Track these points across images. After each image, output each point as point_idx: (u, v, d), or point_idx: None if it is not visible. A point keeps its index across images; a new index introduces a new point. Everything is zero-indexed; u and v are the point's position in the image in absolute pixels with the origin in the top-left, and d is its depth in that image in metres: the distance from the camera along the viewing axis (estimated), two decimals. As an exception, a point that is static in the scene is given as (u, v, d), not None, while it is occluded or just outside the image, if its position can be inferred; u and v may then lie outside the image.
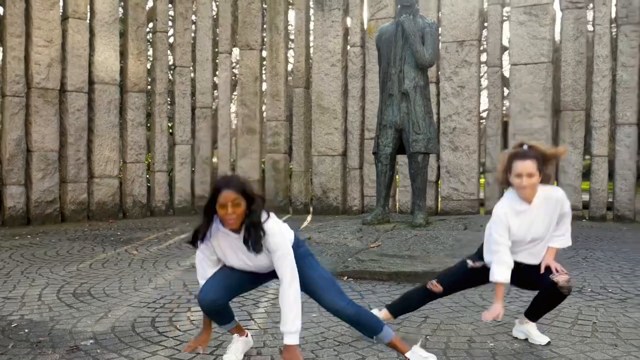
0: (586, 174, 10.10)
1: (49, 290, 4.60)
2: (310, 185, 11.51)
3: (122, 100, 10.76)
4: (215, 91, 12.00)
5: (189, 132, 11.30)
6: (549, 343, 3.26)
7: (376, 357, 3.08)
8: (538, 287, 3.25)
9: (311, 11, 11.48)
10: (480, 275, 3.30)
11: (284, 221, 3.00)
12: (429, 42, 6.74)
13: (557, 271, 3.15)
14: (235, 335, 3.09)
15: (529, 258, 3.23)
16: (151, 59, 11.37)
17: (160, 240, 7.46)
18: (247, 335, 3.15)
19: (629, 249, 6.60)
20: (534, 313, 3.35)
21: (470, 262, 3.36)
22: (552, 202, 3.18)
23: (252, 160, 11.41)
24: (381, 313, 3.51)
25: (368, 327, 2.95)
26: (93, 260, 5.91)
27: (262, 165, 11.60)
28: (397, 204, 10.65)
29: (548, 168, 3.17)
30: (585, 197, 9.94)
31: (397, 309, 3.56)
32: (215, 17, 11.76)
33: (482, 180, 10.74)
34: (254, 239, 2.75)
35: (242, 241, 2.79)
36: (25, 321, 3.75)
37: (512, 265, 3.14)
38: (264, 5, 11.72)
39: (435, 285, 3.40)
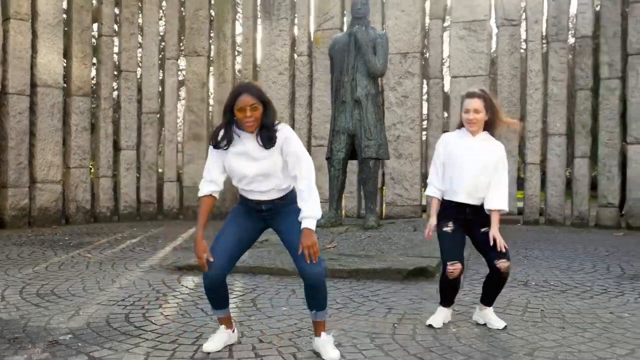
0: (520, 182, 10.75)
1: (11, 291, 4.55)
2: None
3: (65, 104, 10.54)
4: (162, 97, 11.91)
5: (135, 138, 11.19)
6: (505, 327, 3.56)
7: (351, 342, 3.28)
8: (485, 257, 3.58)
9: (259, 20, 11.65)
10: (461, 232, 3.60)
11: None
12: (380, 52, 7.06)
13: (500, 253, 3.47)
14: (222, 326, 3.21)
15: (469, 197, 3.52)
16: (96, 62, 11.20)
17: (112, 244, 7.40)
18: (233, 331, 3.26)
19: (563, 248, 7.12)
20: (487, 298, 3.68)
21: (445, 228, 3.60)
22: (494, 146, 3.55)
23: (199, 167, 11.39)
24: (443, 309, 3.71)
25: (321, 300, 3.10)
26: (48, 263, 5.84)
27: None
28: (344, 209, 10.93)
29: (497, 127, 3.59)
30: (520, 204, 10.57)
31: (447, 300, 3.73)
32: (162, 22, 11.70)
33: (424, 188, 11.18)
34: (266, 136, 2.94)
35: (256, 139, 2.96)
36: (-5, 320, 3.73)
37: (440, 186, 3.61)
38: (212, 13, 11.78)
39: (455, 269, 3.51)
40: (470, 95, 3.56)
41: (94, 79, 11.07)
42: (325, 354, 3.02)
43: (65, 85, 10.53)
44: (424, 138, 11.29)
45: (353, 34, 7.11)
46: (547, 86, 10.09)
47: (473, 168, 3.50)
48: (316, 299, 3.08)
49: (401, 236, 6.37)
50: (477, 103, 3.50)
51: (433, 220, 3.63)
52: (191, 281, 4.99)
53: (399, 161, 10.48)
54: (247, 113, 2.90)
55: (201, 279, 4.62)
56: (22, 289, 4.64)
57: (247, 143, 3.00)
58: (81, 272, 5.37)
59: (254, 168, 3.01)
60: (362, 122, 7.03)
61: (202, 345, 3.19)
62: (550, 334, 3.47)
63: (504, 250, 3.46)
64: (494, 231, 3.50)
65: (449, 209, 3.58)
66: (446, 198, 3.61)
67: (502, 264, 3.48)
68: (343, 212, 10.90)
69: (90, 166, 10.94)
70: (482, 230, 3.54)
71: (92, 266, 5.72)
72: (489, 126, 3.57)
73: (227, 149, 3.04)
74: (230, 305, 4.04)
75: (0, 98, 9.57)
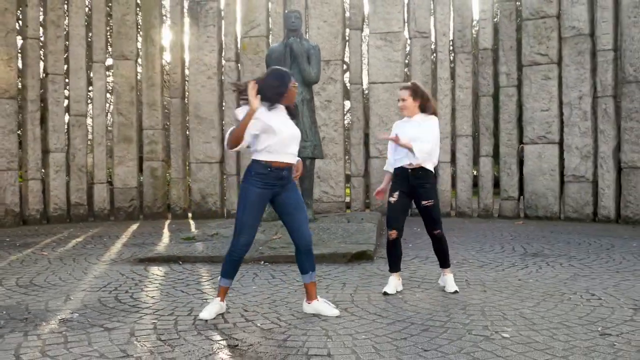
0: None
1: (-10, 284, 4.86)
2: (189, 192, 12.04)
3: (-9, 106, 10.46)
4: (90, 100, 12.00)
5: (64, 140, 11.26)
6: (456, 292, 4.41)
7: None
8: (425, 226, 4.57)
9: (186, 26, 12.04)
10: (404, 201, 4.44)
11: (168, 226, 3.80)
12: (314, 62, 7.81)
13: (434, 223, 4.50)
14: (218, 298, 3.81)
15: (405, 160, 4.39)
16: (22, 65, 11.14)
17: (58, 243, 7.64)
18: (224, 303, 3.87)
19: (474, 235, 8.19)
20: (441, 261, 4.63)
21: (390, 199, 4.46)
22: (426, 121, 4.44)
23: (130, 168, 11.67)
24: (393, 278, 4.48)
25: (311, 263, 3.88)
26: (7, 261, 6.08)
27: (140, 173, 11.88)
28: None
29: (429, 108, 4.48)
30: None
31: (395, 266, 4.52)
32: (88, 26, 11.82)
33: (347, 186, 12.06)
34: (293, 112, 3.87)
35: (286, 111, 3.83)
36: (-6, 306, 4.09)
37: (392, 160, 4.51)
38: (139, 18, 12.04)
39: (391, 233, 4.44)
40: (402, 87, 4.54)
41: (20, 82, 11.02)
42: (328, 312, 3.77)
43: (-9, 87, 10.44)
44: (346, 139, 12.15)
45: (289, 45, 7.80)
46: (455, 92, 11.27)
47: (407, 137, 4.34)
48: (310, 260, 3.86)
49: (338, 227, 7.14)
50: (403, 93, 4.46)
51: (382, 186, 4.60)
52: (158, 270, 5.48)
53: (325, 161, 11.25)
54: (297, 88, 3.84)
55: (167, 268, 5.23)
56: None
57: (282, 112, 3.80)
58: (48, 267, 5.70)
59: (293, 128, 3.80)
60: (298, 126, 7.67)
61: (198, 315, 3.76)
62: (475, 296, 4.34)
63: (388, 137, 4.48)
64: (403, 142, 4.37)
65: (396, 177, 4.48)
66: (393, 167, 4.51)
67: (436, 231, 4.52)
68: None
69: (19, 169, 10.89)
70: (424, 203, 4.43)
71: (53, 262, 6.04)
72: (425, 108, 4.47)
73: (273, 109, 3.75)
74: (206, 288, 4.64)
75: None
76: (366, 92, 12.56)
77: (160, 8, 12.11)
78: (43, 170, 11.18)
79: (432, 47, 11.69)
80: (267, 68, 8.20)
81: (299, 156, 7.80)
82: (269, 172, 3.72)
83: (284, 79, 3.77)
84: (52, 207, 11.08)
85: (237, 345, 3.17)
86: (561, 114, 10.50)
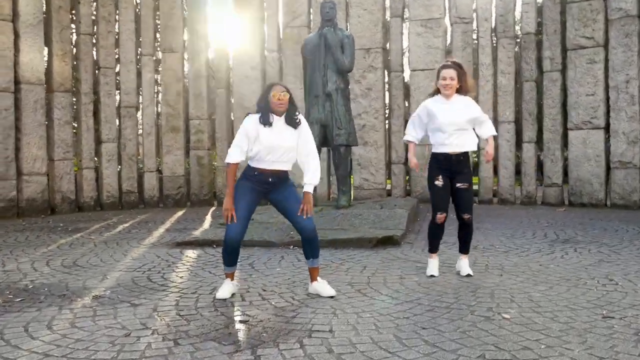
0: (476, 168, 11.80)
1: (38, 265, 5.27)
2: (233, 180, 12.38)
3: (48, 99, 11.08)
4: (140, 92, 12.51)
5: (115, 131, 11.81)
6: (468, 275, 4.52)
7: (336, 289, 4.15)
8: (455, 209, 4.59)
9: (230, 17, 12.34)
10: (447, 185, 4.53)
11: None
12: (347, 51, 7.94)
13: (466, 207, 4.54)
14: (228, 279, 4.07)
15: (455, 147, 4.46)
16: (76, 60, 11.72)
17: (106, 228, 8.10)
18: (236, 282, 4.14)
19: (510, 221, 8.16)
20: (462, 247, 4.70)
21: (436, 182, 4.55)
22: (466, 102, 4.52)
23: (177, 157, 12.12)
24: (434, 257, 4.64)
25: (315, 249, 4.05)
26: (57, 244, 6.54)
27: (187, 161, 12.33)
28: (316, 193, 11.81)
29: (466, 92, 4.53)
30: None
31: (436, 247, 4.67)
32: (137, 20, 12.29)
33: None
34: (290, 119, 3.95)
35: (284, 121, 3.94)
36: (39, 284, 4.47)
37: (415, 134, 4.69)
38: (185, 11, 12.43)
39: (441, 217, 4.53)
40: (446, 66, 4.53)
41: (74, 76, 11.60)
42: (324, 292, 3.95)
43: (47, 81, 11.05)
44: (387, 127, 12.21)
45: (323, 35, 7.96)
46: (497, 78, 11.14)
47: (452, 123, 4.44)
48: (312, 248, 4.00)
49: (370, 213, 7.28)
50: (451, 72, 4.46)
51: (413, 159, 4.69)
52: (192, 253, 5.79)
53: (365, 148, 11.38)
54: (282, 97, 3.87)
55: (200, 252, 5.51)
56: (47, 262, 5.37)
57: (278, 123, 3.94)
58: (92, 249, 6.11)
59: (286, 141, 3.92)
60: (333, 114, 7.90)
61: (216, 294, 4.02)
62: (490, 279, 4.42)
63: (489, 157, 4.60)
64: (489, 149, 4.58)
65: (438, 162, 4.56)
66: (434, 151, 4.60)
67: (466, 216, 4.57)
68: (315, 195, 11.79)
69: (74, 158, 11.51)
70: (458, 185, 4.52)
71: (99, 245, 6.45)
72: (462, 90, 4.55)
73: (269, 126, 3.92)
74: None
75: (-13, 95, 10.07)
76: (407, 79, 12.57)
77: (204, 0, 12.44)
78: (96, 160, 11.77)
79: (474, 33, 11.57)
80: (304, 59, 8.43)
81: (334, 143, 8.03)
82: (255, 175, 3.98)
83: (264, 93, 3.97)
84: (105, 195, 11.66)
85: (247, 321, 3.39)
86: (607, 98, 10.23)
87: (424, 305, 3.65)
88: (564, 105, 10.73)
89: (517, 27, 12.83)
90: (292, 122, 3.95)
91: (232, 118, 12.33)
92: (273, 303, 3.80)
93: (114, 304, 3.81)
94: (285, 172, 4.04)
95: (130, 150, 11.95)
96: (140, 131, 12.58)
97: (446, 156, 4.50)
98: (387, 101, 12.21)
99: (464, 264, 4.67)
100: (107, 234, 7.40)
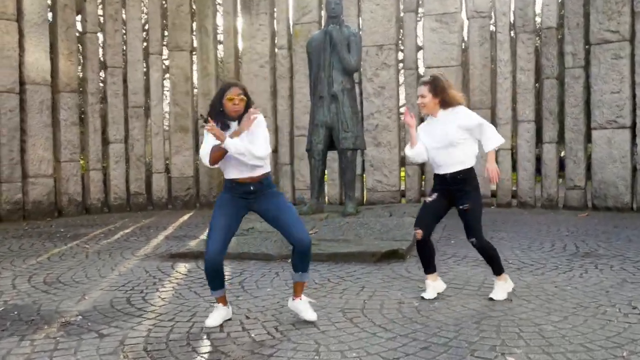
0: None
1: (20, 280, 5.00)
2: (243, 181, 12.06)
3: (54, 100, 10.88)
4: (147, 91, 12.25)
5: (123, 131, 11.57)
6: (491, 299, 4.10)
7: (326, 316, 3.79)
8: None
9: (239, 14, 12.02)
10: (439, 204, 4.14)
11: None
12: (354, 50, 7.53)
13: (472, 231, 4.07)
14: (220, 304, 3.70)
15: (446, 166, 4.06)
16: (82, 59, 11.50)
17: (106, 235, 7.84)
18: (228, 307, 3.76)
19: (528, 229, 7.69)
20: (491, 267, 4.24)
21: (427, 199, 4.21)
22: (454, 113, 4.06)
23: (186, 157, 11.85)
24: (429, 281, 4.22)
25: (306, 263, 3.67)
26: (49, 254, 6.28)
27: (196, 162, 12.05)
28: (327, 196, 11.43)
29: (452, 103, 4.04)
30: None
31: (428, 267, 4.26)
32: (145, 19, 12.02)
33: (402, 173, 11.72)
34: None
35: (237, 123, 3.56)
36: (11, 306, 4.18)
37: (421, 146, 4.14)
38: (193, 8, 12.13)
39: (417, 233, 4.15)
40: (421, 82, 4.12)
41: (81, 75, 11.39)
42: (305, 315, 3.61)
43: (52, 82, 10.84)
44: (400, 126, 11.76)
45: (328, 33, 7.56)
46: (516, 75, 10.61)
47: (435, 142, 4.06)
48: (303, 262, 3.64)
49: (377, 221, 6.89)
50: (422, 89, 4.07)
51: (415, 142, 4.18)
52: (183, 267, 5.47)
53: (378, 149, 10.97)
54: (236, 101, 3.51)
55: (192, 265, 5.16)
56: (29, 277, 5.10)
57: (234, 126, 3.57)
58: (82, 262, 5.83)
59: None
60: (339, 116, 7.51)
61: (198, 323, 3.68)
62: (498, 305, 4.00)
63: (495, 181, 4.12)
64: (490, 165, 4.09)
65: (435, 181, 4.21)
66: (434, 173, 4.22)
67: (470, 239, 4.14)
68: (326, 198, 11.43)
69: (81, 159, 11.31)
70: (461, 207, 4.10)
71: (91, 256, 6.17)
72: (446, 104, 4.08)
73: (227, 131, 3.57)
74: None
75: (-9, 96, 9.89)
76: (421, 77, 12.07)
77: (214, -3, 12.13)
78: (103, 161, 11.55)
79: (491, 27, 11.05)
80: (309, 57, 8.04)
81: (340, 147, 7.62)
82: (234, 186, 3.65)
83: (218, 94, 3.61)
84: (112, 197, 11.44)
85: (219, 360, 3.04)
86: (634, 95, 9.64)
87: (419, 342, 3.26)
88: (587, 103, 10.17)
89: (537, 21, 12.26)
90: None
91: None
92: (253, 335, 3.44)
93: (81, 334, 3.49)
94: (264, 177, 3.65)
95: (138, 150, 11.71)
96: (147, 132, 12.33)
97: (441, 177, 4.14)
98: (401, 100, 11.74)
99: (495, 285, 4.23)
100: (104, 242, 7.13)
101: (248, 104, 3.60)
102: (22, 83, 10.28)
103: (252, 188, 3.64)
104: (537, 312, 3.83)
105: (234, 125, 3.59)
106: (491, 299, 4.13)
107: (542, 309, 3.88)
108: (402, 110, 13.59)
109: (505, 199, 10.69)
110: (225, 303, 3.74)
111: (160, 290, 4.60)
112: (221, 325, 3.63)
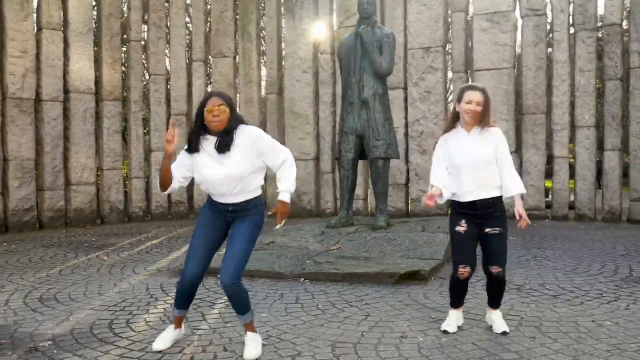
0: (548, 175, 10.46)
1: (17, 295, 4.83)
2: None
3: (97, 108, 10.95)
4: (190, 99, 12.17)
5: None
6: (504, 333, 3.59)
7: (311, 352, 3.34)
8: (483, 258, 3.66)
9: (282, 19, 11.75)
10: (472, 232, 3.61)
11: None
12: (386, 52, 7.03)
13: (496, 258, 3.58)
14: (172, 326, 3.47)
15: (479, 191, 3.55)
16: (126, 67, 11.55)
17: (132, 245, 7.68)
18: (182, 329, 3.53)
19: (579, 246, 6.93)
20: (490, 300, 3.76)
21: (458, 228, 3.63)
22: (489, 134, 3.57)
23: (227, 166, 11.64)
24: (454, 312, 3.76)
25: (238, 306, 3.28)
26: (63, 267, 6.14)
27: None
28: (369, 206, 10.95)
29: (485, 125, 3.57)
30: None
31: (458, 303, 3.77)
32: (188, 26, 11.96)
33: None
34: (223, 141, 3.14)
35: (214, 144, 3.16)
36: (-10, 326, 3.98)
37: (444, 177, 3.62)
38: (237, 14, 11.96)
39: (464, 272, 3.60)
40: (474, 87, 3.60)
41: (124, 84, 11.42)
42: (246, 353, 3.25)
43: (96, 90, 10.91)
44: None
45: (359, 35, 7.10)
46: (575, 77, 9.77)
47: (474, 167, 3.54)
48: (234, 305, 3.28)
49: (406, 237, 6.35)
50: (478, 96, 3.54)
51: (433, 190, 3.62)
52: (188, 285, 5.14)
53: (423, 157, 10.39)
54: (215, 113, 3.13)
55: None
56: (28, 293, 4.92)
57: (210, 146, 3.19)
58: (89, 276, 5.63)
59: (233, 169, 3.16)
60: (369, 122, 7.03)
61: (167, 353, 3.33)
62: (516, 344, 3.42)
63: (525, 225, 3.52)
64: (519, 209, 3.56)
65: (461, 206, 3.64)
66: (457, 200, 3.64)
67: (494, 269, 3.60)
68: (368, 208, 10.93)
69: (123, 168, 11.32)
70: (487, 230, 3.58)
71: (102, 269, 5.98)
72: (486, 122, 3.59)
73: (197, 152, 3.23)
74: (213, 311, 4.20)
75: (35, 105, 10.03)
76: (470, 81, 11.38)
77: (256, 2, 11.90)
78: (146, 169, 11.53)
79: (547, 26, 10.25)
80: (340, 62, 7.59)
81: (371, 156, 7.14)
82: (215, 204, 3.35)
83: (198, 107, 3.24)
84: (154, 205, 11.39)
85: (167, 406, 2.66)
86: None
87: (404, 391, 2.77)
88: (656, 107, 9.22)
89: (599, 18, 11.30)
90: (223, 147, 3.14)
91: (284, 124, 11.69)
92: (221, 373, 3.05)
93: (40, 365, 3.21)
94: (252, 200, 3.30)
95: (180, 158, 11.59)
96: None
97: (468, 203, 3.60)
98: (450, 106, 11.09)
99: (496, 318, 3.72)
100: (124, 254, 6.95)
101: (235, 116, 3.23)
102: (66, 91, 10.40)
103: (231, 209, 3.32)
104: (560, 354, 3.23)
105: (211, 139, 3.20)
106: (504, 332, 3.58)
107: (568, 351, 3.28)
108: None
109: (561, 211, 9.86)
110: (180, 325, 3.51)
111: (150, 312, 4.29)
112: (192, 358, 3.26)
